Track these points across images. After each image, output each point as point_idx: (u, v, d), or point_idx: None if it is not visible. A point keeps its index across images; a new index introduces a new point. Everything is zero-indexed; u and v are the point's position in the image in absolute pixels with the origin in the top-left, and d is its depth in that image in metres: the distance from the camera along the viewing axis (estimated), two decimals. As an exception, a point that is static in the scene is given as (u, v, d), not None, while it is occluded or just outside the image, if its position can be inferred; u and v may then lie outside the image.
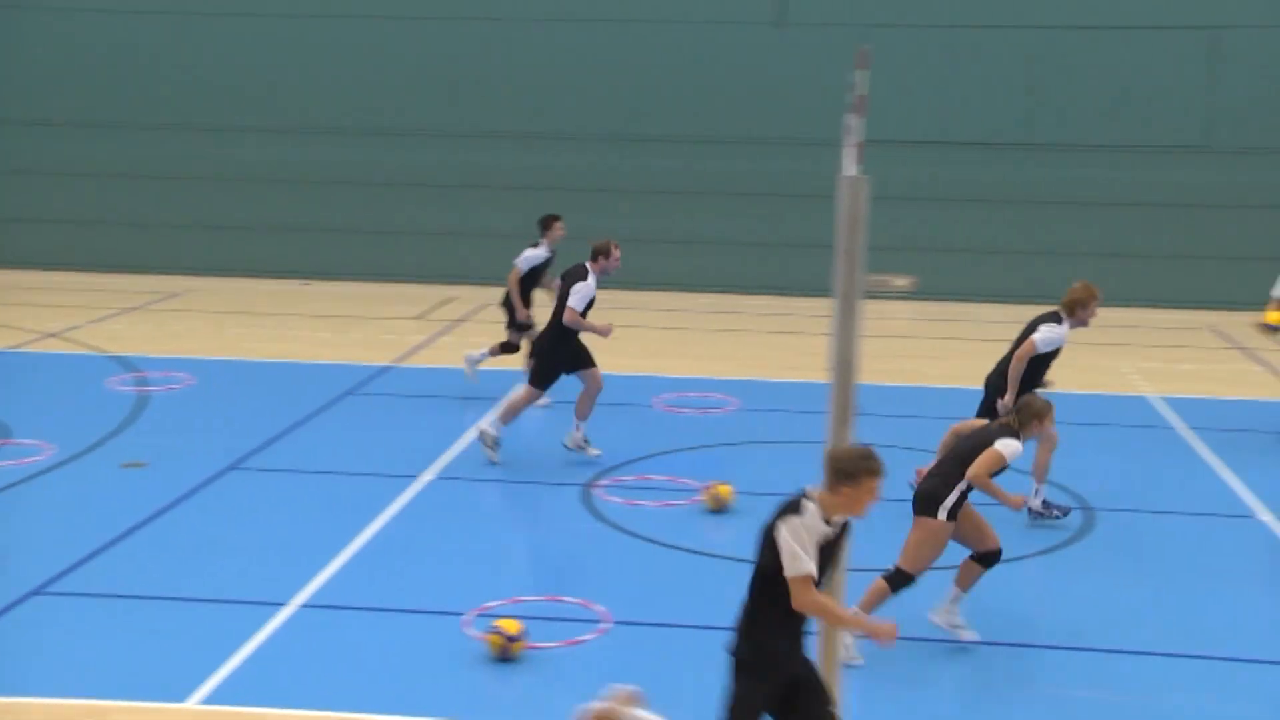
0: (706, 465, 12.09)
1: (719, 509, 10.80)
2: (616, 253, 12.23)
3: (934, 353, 17.80)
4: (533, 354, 12.60)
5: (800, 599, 5.48)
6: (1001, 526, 10.63)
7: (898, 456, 12.54)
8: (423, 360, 16.75)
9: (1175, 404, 14.85)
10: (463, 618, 8.50)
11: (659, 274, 22.54)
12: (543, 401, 12.99)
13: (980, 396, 10.96)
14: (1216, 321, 20.94)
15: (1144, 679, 7.95)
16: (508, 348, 14.33)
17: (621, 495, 11.23)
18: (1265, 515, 10.93)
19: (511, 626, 7.95)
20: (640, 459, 12.35)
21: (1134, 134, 22.33)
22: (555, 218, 14.24)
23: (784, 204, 22.64)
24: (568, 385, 12.54)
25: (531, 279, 14.02)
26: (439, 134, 23.37)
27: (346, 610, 8.71)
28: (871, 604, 8.08)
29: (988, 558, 8.30)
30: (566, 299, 11.97)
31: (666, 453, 12.60)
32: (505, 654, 7.88)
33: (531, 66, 23.16)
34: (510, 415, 12.19)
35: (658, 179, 23.31)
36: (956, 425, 8.92)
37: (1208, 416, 14.19)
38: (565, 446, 12.28)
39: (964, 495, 8.16)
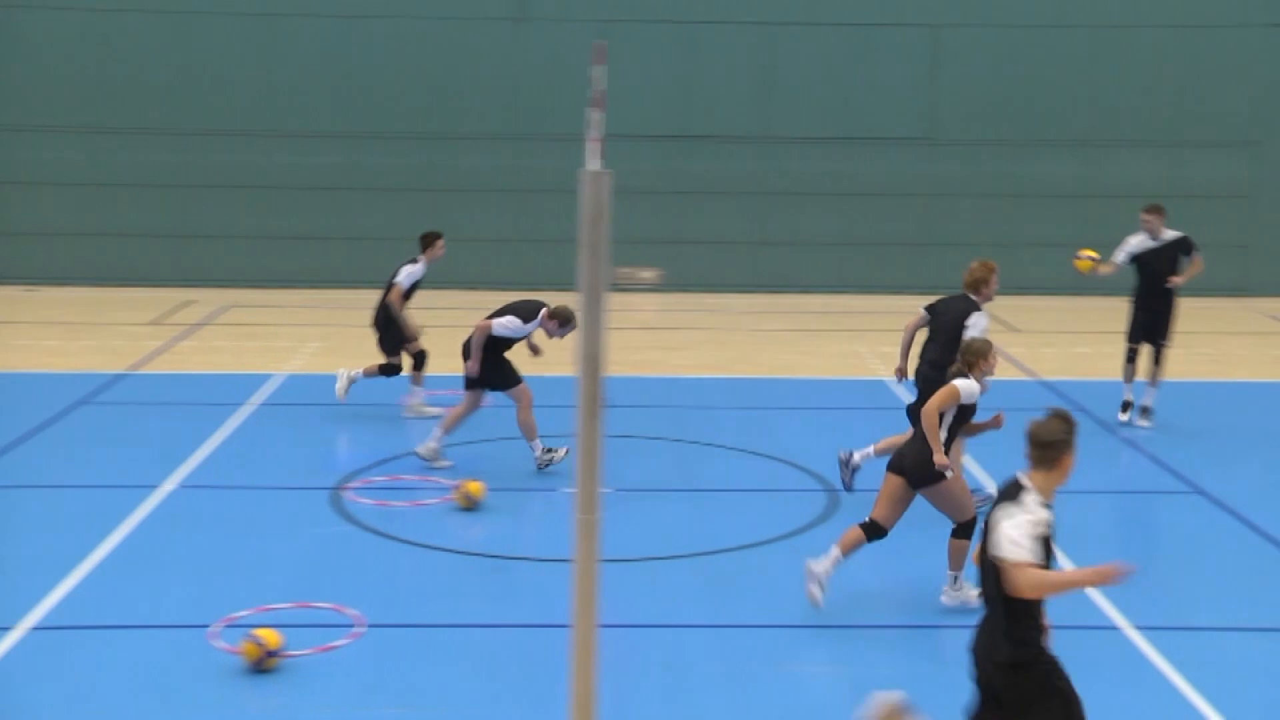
0: (458, 463, 12.00)
1: (471, 506, 10.74)
2: (572, 327, 11.89)
3: (680, 343, 18.13)
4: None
5: (1020, 585, 5.45)
6: (744, 511, 10.93)
7: (638, 446, 12.72)
8: (160, 366, 16.15)
9: (912, 386, 15.41)
10: (209, 630, 8.23)
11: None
12: (433, 411, 13.14)
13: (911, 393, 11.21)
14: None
15: (880, 651, 8.24)
16: (389, 369, 13.74)
17: (372, 496, 11.06)
18: (994, 489, 11.45)
19: (271, 639, 7.71)
20: (392, 459, 12.18)
21: (861, 127, 23.17)
22: (437, 235, 13.79)
23: (529, 199, 22.67)
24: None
25: (409, 296, 13.62)
26: (173, 133, 22.58)
27: (81, 630, 8.32)
28: (959, 561, 8.71)
29: (967, 528, 8.66)
30: (492, 315, 11.72)
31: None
32: (261, 665, 7.66)
33: (269, 64, 22.61)
34: (451, 426, 11.88)
35: (402, 176, 23.05)
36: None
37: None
38: (539, 470, 11.85)
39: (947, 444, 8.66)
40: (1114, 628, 8.55)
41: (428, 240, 13.72)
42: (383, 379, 13.85)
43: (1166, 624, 8.60)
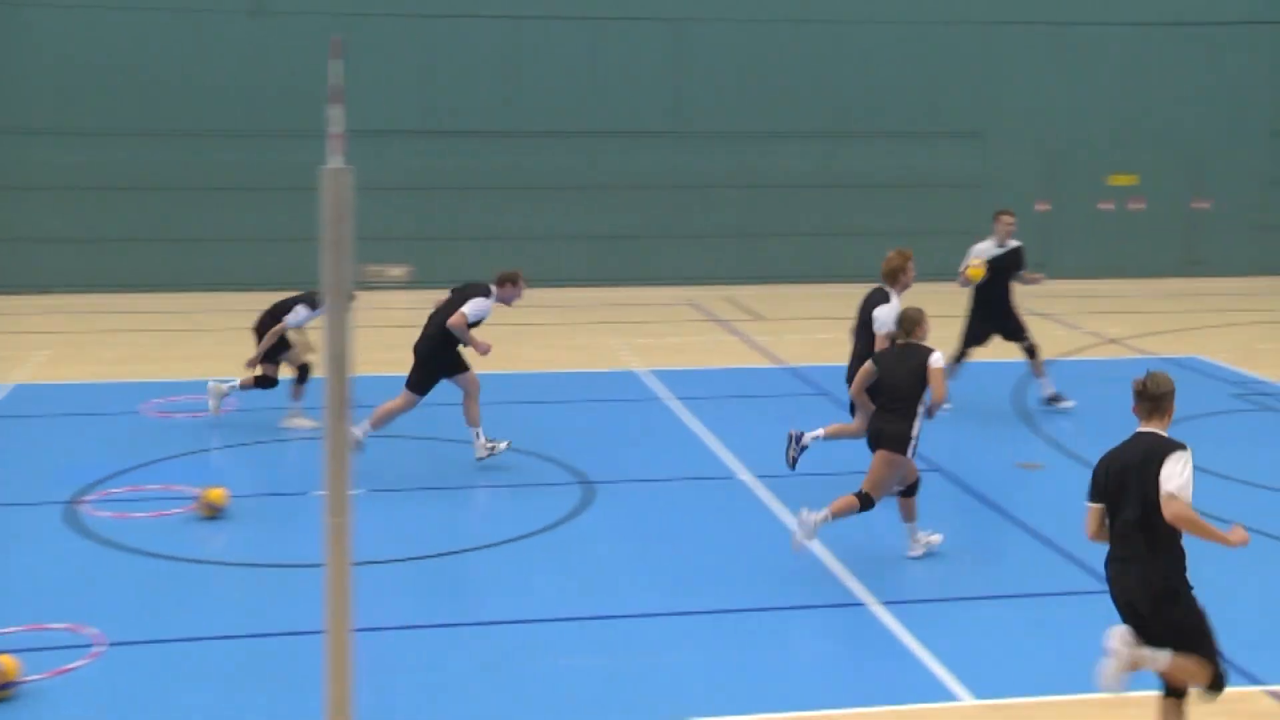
0: (201, 471, 11.60)
1: (214, 515, 10.39)
2: (523, 285, 11.99)
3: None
4: (416, 360, 11.87)
5: (1181, 515, 6.22)
6: (499, 508, 10.87)
7: (390, 445, 12.53)
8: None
9: (663, 376, 15.64)
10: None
11: (142, 275, 21.58)
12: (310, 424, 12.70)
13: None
14: (693, 296, 22.26)
15: (645, 641, 8.32)
16: (264, 381, 13.10)
17: (112, 509, 10.59)
18: (745, 475, 11.72)
19: (9, 668, 7.28)
20: (132, 469, 11.69)
21: (605, 120, 23.37)
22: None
23: (274, 197, 22.08)
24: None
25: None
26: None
27: None
28: (912, 513, 9.58)
29: (914, 487, 9.51)
30: (453, 307, 11.64)
31: (159, 460, 11.98)
32: (-4, 696, 7.24)
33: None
34: (382, 421, 11.72)
35: (142, 174, 22.15)
36: (864, 369, 9.73)
37: (691, 386, 15.04)
38: (478, 460, 11.66)
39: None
40: (861, 604, 8.83)
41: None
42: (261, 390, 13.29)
43: (907, 598, 8.93)
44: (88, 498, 10.87)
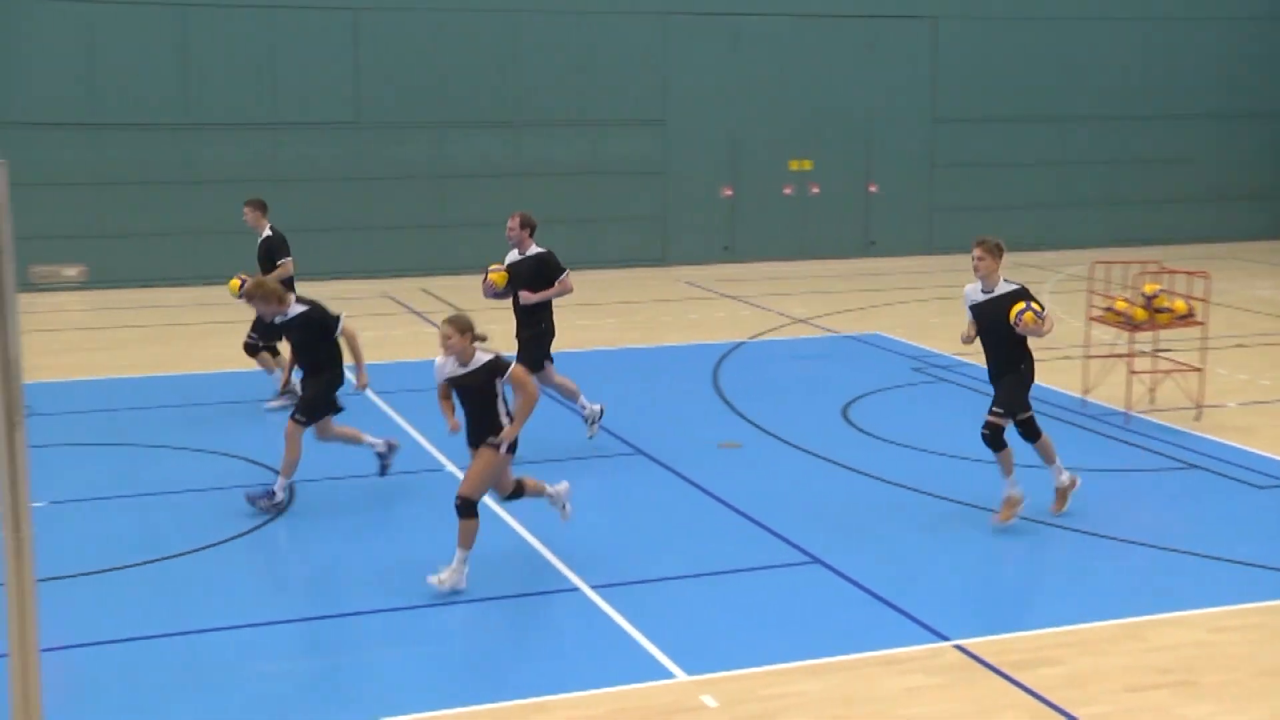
0: None
1: None
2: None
3: (112, 343, 17.11)
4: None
5: None
6: (198, 512, 10.47)
7: (74, 454, 11.91)
8: None
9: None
10: None
11: None
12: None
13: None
14: (389, 288, 21.97)
15: (347, 641, 8.16)
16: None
17: None
18: (451, 466, 11.63)
19: None
20: None
21: (292, 112, 22.81)
22: None
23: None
24: None
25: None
26: None
27: None
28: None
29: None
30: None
31: None
32: None
33: None
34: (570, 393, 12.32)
35: None
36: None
37: (394, 379, 14.82)
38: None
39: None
40: (575, 589, 8.88)
41: None
42: None
43: (616, 581, 9.04)
44: None
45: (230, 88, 22.51)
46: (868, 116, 25.98)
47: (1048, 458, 10.25)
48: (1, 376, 5.07)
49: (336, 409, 10.76)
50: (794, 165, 25.82)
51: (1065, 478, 10.33)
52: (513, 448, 8.93)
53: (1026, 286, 10.07)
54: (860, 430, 12.85)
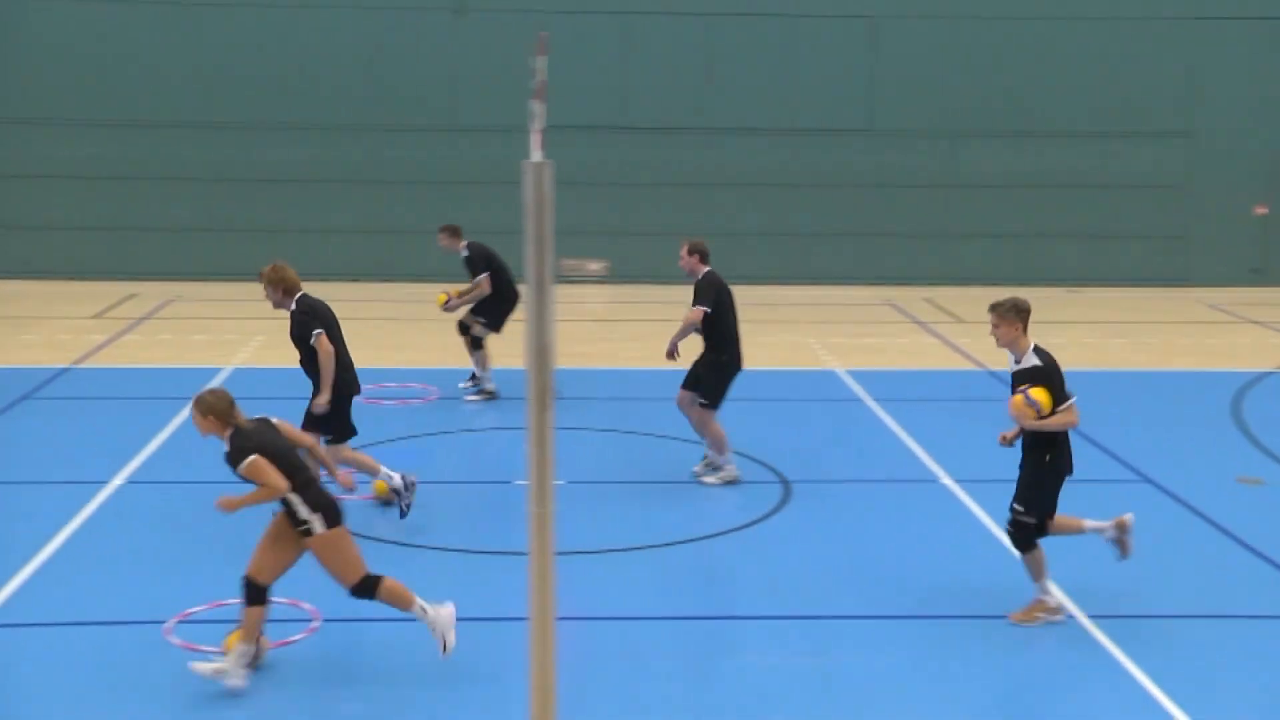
0: (408, 456, 11.90)
1: (386, 502, 10.51)
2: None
3: (629, 335, 18.10)
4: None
5: None
6: (699, 503, 10.92)
7: (589, 439, 12.69)
8: (106, 361, 15.96)
9: (860, 377, 15.50)
10: (164, 625, 8.13)
11: (349, 265, 22.30)
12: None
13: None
14: (893, 296, 22.01)
15: (844, 642, 8.26)
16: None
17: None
18: (946, 480, 11.53)
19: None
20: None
21: (798, 118, 23.29)
22: None
23: (472, 190, 22.57)
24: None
25: None
26: (108, 124, 22.40)
27: (33, 628, 8.20)
28: None
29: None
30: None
31: (372, 445, 12.33)
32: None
33: (197, 54, 22.59)
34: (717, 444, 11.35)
35: (344, 168, 22.94)
36: None
37: (891, 388, 14.87)
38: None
39: None
40: (1069, 618, 8.60)
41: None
42: None
43: (1113, 613, 8.66)
44: (301, 479, 11.20)
45: (748, 94, 23.19)
46: None
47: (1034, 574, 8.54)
48: (535, 361, 5.50)
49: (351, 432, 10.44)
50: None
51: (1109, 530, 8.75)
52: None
53: (1050, 364, 8.29)
54: (1403, 477, 11.68)
